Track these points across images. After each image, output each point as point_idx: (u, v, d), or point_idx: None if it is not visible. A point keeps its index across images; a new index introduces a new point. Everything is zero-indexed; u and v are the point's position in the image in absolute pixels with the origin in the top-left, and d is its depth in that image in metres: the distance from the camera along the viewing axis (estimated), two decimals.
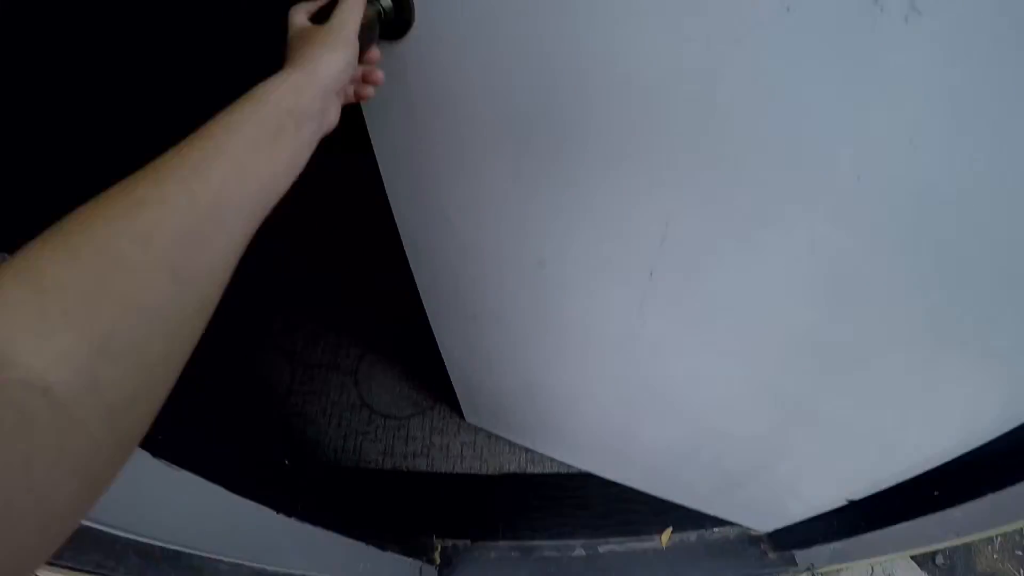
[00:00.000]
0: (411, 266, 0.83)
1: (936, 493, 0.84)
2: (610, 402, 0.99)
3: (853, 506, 0.98)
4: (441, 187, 0.66)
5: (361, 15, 0.39)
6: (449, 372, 1.14)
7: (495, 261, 0.75)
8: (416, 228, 0.76)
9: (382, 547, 0.97)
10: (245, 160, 0.27)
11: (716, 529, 1.31)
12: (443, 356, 1.07)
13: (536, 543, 1.28)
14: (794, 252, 0.54)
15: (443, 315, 0.94)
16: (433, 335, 1.00)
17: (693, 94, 0.44)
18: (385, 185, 0.69)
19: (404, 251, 0.80)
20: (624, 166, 0.53)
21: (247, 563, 0.67)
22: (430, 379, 1.51)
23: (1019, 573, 1.35)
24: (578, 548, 1.28)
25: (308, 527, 0.76)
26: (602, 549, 1.29)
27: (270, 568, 0.72)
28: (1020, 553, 1.38)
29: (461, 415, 1.41)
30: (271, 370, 1.53)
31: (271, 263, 1.56)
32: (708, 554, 1.28)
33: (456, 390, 1.24)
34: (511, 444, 1.42)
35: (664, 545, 1.29)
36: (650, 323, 0.73)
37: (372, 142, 0.63)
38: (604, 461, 1.30)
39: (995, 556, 1.37)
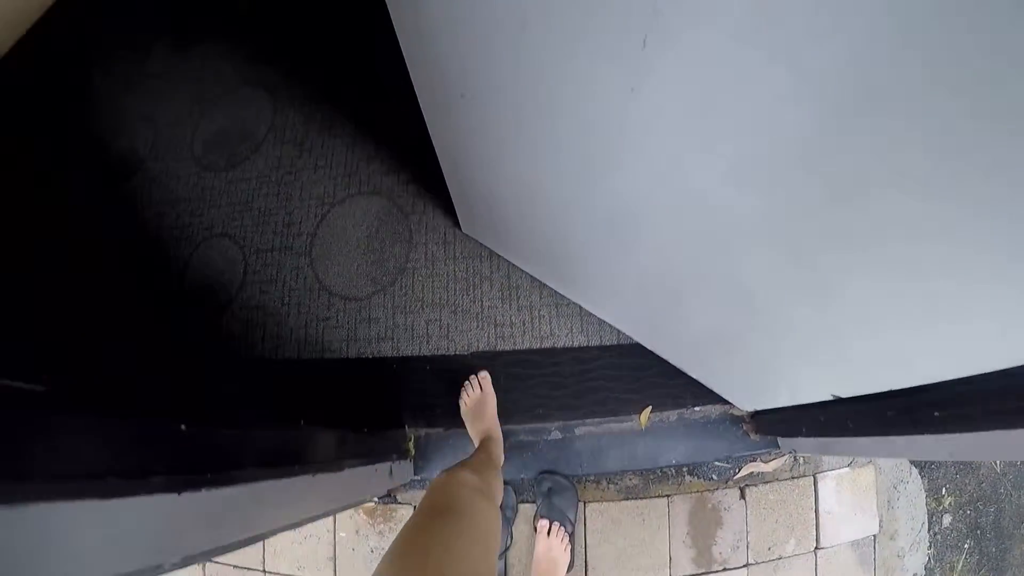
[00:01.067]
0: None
1: (936, 414, 0.73)
2: (597, 216, 0.85)
3: (842, 404, 0.88)
4: None
5: None
6: (443, 169, 1.05)
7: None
8: None
9: (339, 467, 0.90)
10: None
11: (697, 408, 1.27)
12: (437, 152, 0.98)
13: (511, 427, 1.24)
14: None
15: (432, 99, 0.81)
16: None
17: None
18: None
19: None
20: None
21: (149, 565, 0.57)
22: (385, 251, 1.35)
23: (996, 464, 1.36)
24: (554, 431, 1.26)
25: (224, 491, 0.65)
26: (579, 431, 1.26)
27: (197, 552, 0.63)
28: None
29: (421, 290, 1.30)
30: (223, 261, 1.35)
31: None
32: (688, 434, 1.25)
33: (451, 194, 1.17)
34: (479, 320, 1.30)
35: (643, 425, 1.26)
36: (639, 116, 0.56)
37: None
38: (590, 293, 1.22)
39: None
